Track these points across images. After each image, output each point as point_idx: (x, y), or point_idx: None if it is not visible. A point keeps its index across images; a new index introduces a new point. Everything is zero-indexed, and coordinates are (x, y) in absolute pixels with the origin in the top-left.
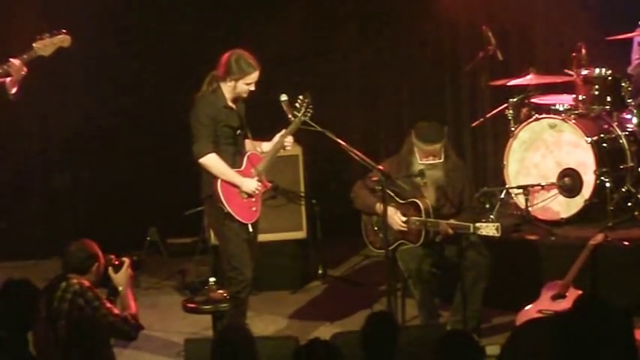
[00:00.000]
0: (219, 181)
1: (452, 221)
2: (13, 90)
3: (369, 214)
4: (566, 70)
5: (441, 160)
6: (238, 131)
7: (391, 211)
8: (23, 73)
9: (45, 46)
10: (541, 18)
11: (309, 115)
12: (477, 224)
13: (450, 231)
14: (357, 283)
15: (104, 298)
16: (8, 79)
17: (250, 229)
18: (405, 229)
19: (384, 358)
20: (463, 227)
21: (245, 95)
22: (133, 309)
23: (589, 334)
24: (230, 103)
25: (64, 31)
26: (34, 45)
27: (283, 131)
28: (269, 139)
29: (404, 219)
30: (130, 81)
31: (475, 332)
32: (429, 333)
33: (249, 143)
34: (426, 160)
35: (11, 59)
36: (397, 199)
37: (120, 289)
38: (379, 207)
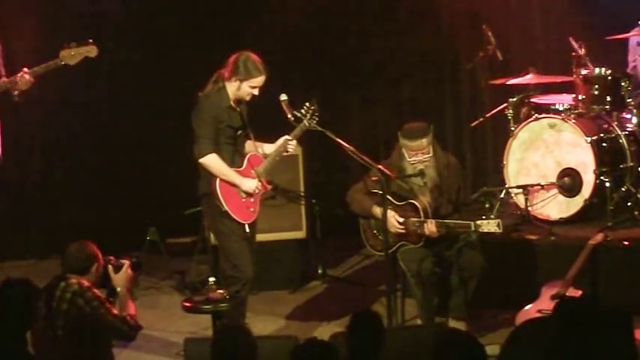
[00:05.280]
0: (217, 180)
1: (452, 220)
2: (16, 92)
3: (366, 218)
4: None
5: (430, 155)
6: (239, 132)
7: (388, 213)
8: (30, 84)
9: (71, 55)
10: (541, 18)
11: (314, 121)
12: (478, 222)
13: (435, 232)
14: (356, 283)
15: (103, 298)
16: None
17: (247, 229)
18: (402, 231)
19: (369, 357)
20: (463, 226)
21: (248, 98)
22: (132, 309)
23: (588, 334)
24: (233, 104)
25: (90, 40)
26: (60, 53)
27: (287, 136)
28: (270, 140)
29: (401, 220)
30: (130, 81)
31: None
32: (428, 333)
33: (250, 144)
34: (415, 157)
35: (24, 71)
36: (394, 201)
37: (118, 289)
38: (376, 210)
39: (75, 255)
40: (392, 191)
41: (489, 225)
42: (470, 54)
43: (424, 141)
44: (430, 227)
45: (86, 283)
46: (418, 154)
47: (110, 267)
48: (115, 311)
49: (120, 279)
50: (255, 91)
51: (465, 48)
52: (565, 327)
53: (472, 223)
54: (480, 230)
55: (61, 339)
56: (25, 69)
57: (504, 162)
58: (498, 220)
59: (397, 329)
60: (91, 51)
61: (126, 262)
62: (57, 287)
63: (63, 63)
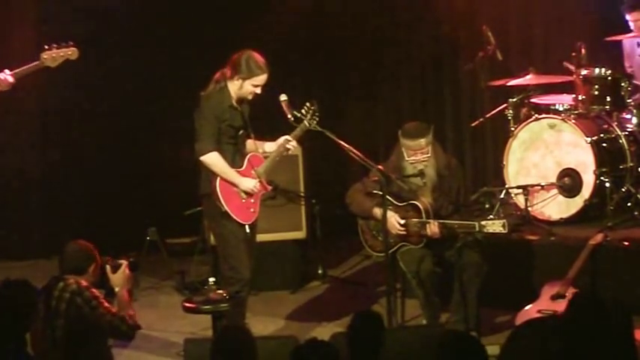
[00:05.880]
0: (217, 180)
1: (456, 221)
2: None
3: (365, 219)
4: (564, 63)
5: (429, 155)
6: (240, 131)
7: (388, 214)
8: (11, 86)
9: (53, 57)
10: (541, 18)
11: (314, 122)
12: (483, 222)
13: (438, 232)
14: (357, 283)
15: (102, 297)
16: None
17: (247, 230)
18: (403, 233)
19: (369, 357)
20: (468, 226)
21: (250, 97)
22: (131, 309)
23: (588, 334)
24: (235, 103)
25: (71, 43)
26: (41, 55)
27: (287, 136)
28: (271, 139)
29: (402, 222)
30: (131, 81)
31: (474, 331)
32: (429, 333)
33: (251, 143)
34: (414, 156)
35: (5, 72)
36: (395, 202)
37: (116, 289)
38: (376, 211)
39: (73, 255)
40: (392, 192)
41: (494, 225)
42: (470, 54)
43: (422, 141)
44: (433, 228)
45: (84, 283)
46: (417, 154)
47: (108, 267)
48: (114, 311)
49: (118, 279)
50: (258, 90)
51: (465, 48)
52: (573, 325)
53: (477, 223)
54: (485, 231)
55: (61, 339)
56: (7, 70)
57: (504, 162)
58: (504, 221)
59: (397, 329)
60: (72, 54)
61: (124, 262)
62: (55, 287)
63: (45, 65)
